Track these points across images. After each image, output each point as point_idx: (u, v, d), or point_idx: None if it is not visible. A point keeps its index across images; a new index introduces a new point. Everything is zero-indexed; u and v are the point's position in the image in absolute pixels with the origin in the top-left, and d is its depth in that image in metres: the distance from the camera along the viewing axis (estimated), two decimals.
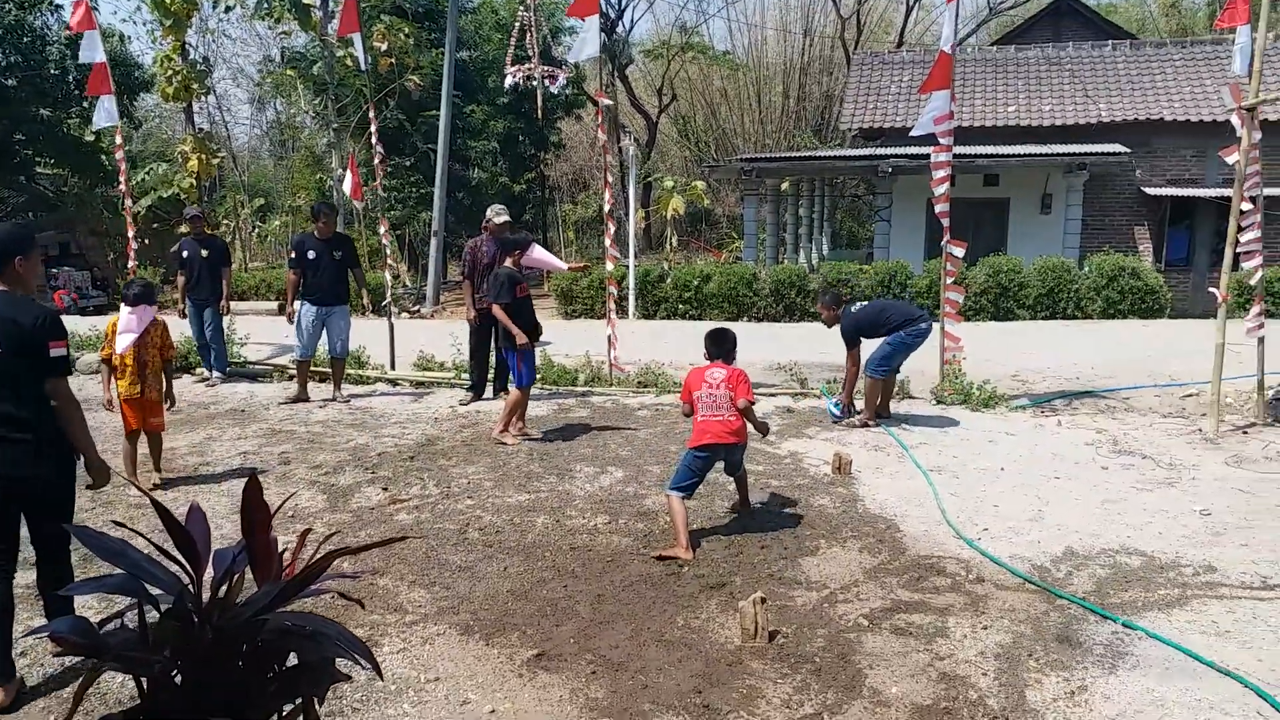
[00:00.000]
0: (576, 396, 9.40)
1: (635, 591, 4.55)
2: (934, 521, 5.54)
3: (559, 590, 4.57)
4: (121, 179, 12.51)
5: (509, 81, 18.03)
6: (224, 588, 2.23)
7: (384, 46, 20.66)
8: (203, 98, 27.27)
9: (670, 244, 23.88)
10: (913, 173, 17.54)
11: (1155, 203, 18.62)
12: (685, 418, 5.50)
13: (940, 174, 8.68)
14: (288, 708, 2.32)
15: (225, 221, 29.69)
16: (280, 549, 2.41)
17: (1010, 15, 32.57)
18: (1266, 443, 7.20)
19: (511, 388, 7.56)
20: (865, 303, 8.47)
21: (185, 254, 10.16)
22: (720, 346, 5.49)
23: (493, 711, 3.48)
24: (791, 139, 33.71)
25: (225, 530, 5.29)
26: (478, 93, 26.67)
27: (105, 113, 11.38)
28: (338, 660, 2.35)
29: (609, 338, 9.93)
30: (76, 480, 3.72)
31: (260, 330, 12.86)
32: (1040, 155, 17.34)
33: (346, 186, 12.48)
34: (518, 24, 16.65)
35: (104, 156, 24.00)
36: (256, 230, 32.43)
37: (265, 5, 23.31)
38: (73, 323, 10.82)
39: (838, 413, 8.12)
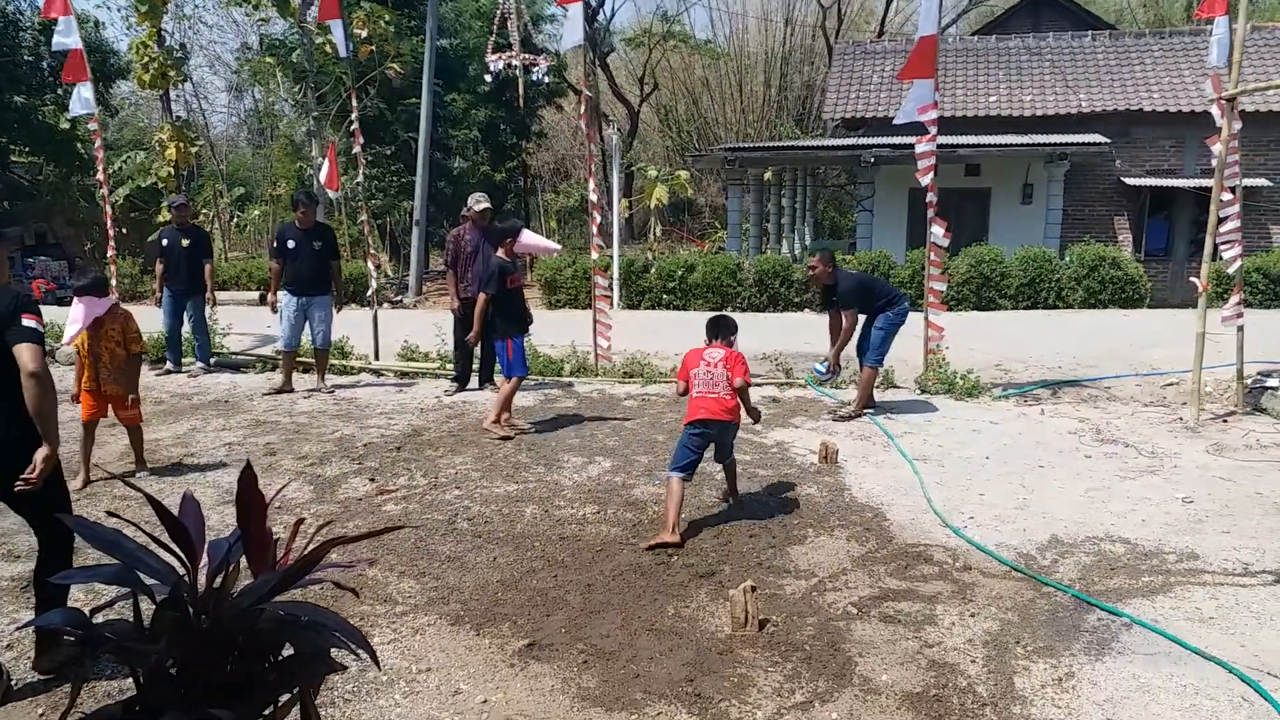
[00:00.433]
0: (562, 387, 9.39)
1: (625, 581, 4.55)
2: (920, 510, 5.57)
3: (549, 580, 4.57)
4: (99, 168, 12.36)
5: (491, 68, 17.97)
6: (220, 578, 2.21)
7: (364, 34, 20.44)
8: (180, 85, 26.95)
9: (654, 234, 23.86)
10: (895, 163, 17.60)
11: (1135, 193, 18.77)
12: (681, 396, 5.49)
13: (926, 163, 8.69)
14: (284, 698, 2.31)
15: (204, 211, 29.40)
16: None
17: (990, 5, 32.70)
18: (1246, 431, 7.28)
19: (499, 379, 7.55)
20: (852, 271, 8.45)
21: (165, 242, 10.05)
22: (720, 330, 5.49)
23: (485, 701, 3.48)
24: (773, 128, 33.72)
25: (212, 521, 5.24)
26: (459, 81, 26.50)
27: (82, 100, 11.22)
28: (331, 650, 2.34)
29: (595, 327, 9.91)
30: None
31: (242, 320, 12.76)
32: (1021, 145, 17.44)
33: (323, 176, 12.39)
34: (498, 11, 16.57)
35: (80, 145, 23.70)
36: (235, 220, 32.13)
37: None
38: (50, 312, 10.68)
39: (822, 370, 7.97)
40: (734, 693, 3.51)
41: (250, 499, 2.19)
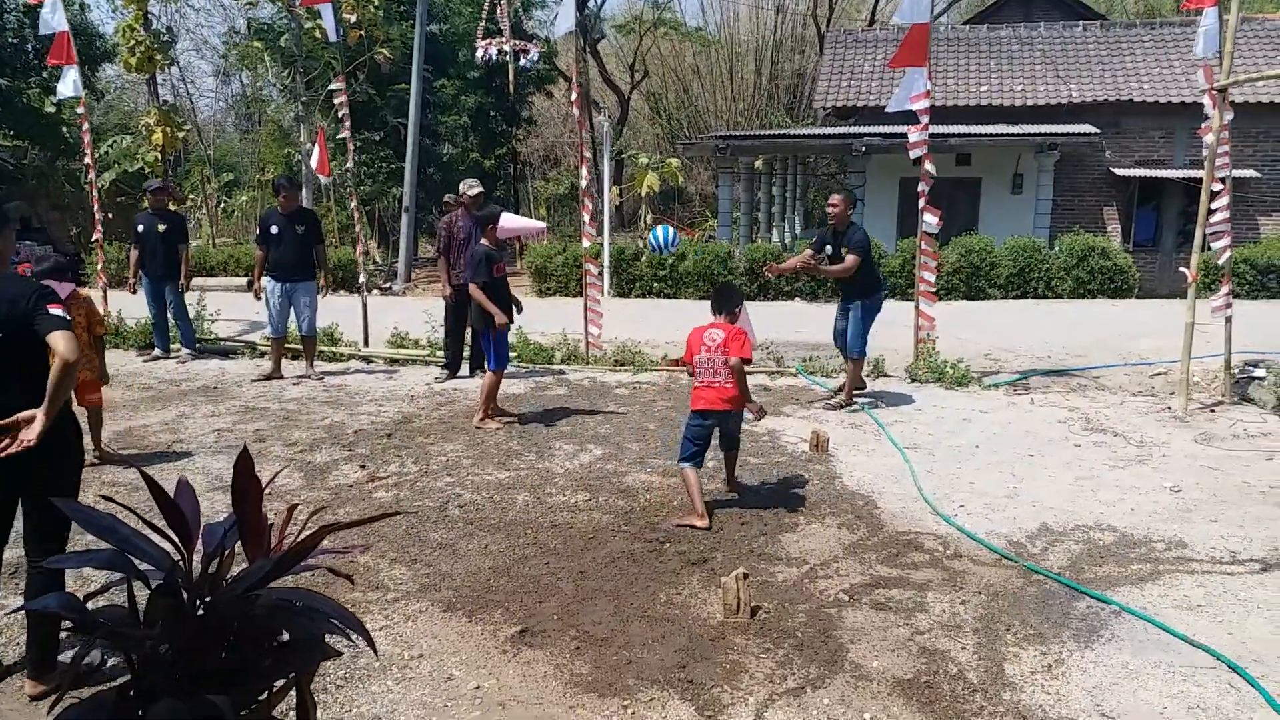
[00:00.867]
0: (553, 374, 9.38)
1: (617, 568, 4.56)
2: (911, 498, 5.60)
3: (541, 567, 4.57)
4: (86, 151, 12.25)
5: (480, 55, 17.87)
6: (215, 563, 2.20)
7: (353, 18, 20.31)
8: (166, 69, 26.75)
9: (645, 222, 23.81)
10: (886, 152, 17.60)
11: (1124, 183, 18.83)
12: (690, 377, 5.45)
13: (921, 152, 8.69)
14: (278, 684, 2.31)
15: (191, 196, 29.21)
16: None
17: None
18: (1233, 421, 7.33)
19: (483, 371, 7.51)
20: None
21: (141, 227, 9.89)
22: (723, 302, 5.41)
23: (477, 688, 3.48)
24: (764, 117, 33.66)
25: (201, 507, 5.22)
26: (448, 67, 26.36)
27: (70, 84, 11.10)
28: (325, 636, 2.34)
29: (586, 315, 9.89)
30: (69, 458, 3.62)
31: (230, 306, 12.69)
32: (1012, 135, 17.46)
33: (313, 161, 12.31)
34: None
35: (65, 128, 23.48)
36: (223, 205, 31.94)
37: None
38: None
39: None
40: (726, 679, 3.53)
41: (246, 484, 2.18)
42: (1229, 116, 7.57)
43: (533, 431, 7.07)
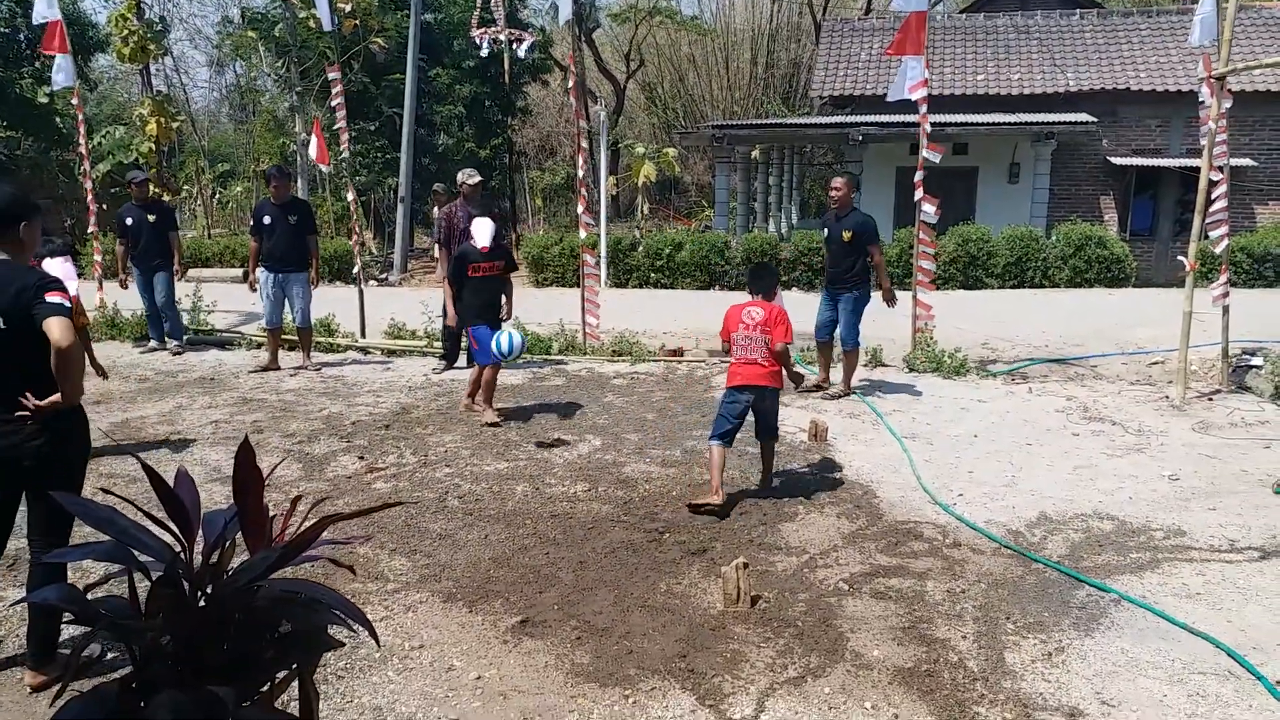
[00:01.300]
0: (551, 365, 9.37)
1: (617, 558, 4.56)
2: (910, 487, 5.60)
3: (541, 557, 4.57)
4: (80, 142, 12.19)
5: (477, 44, 17.78)
6: (216, 555, 2.19)
7: (348, 7, 20.20)
8: (160, 59, 26.58)
9: (642, 212, 23.77)
10: (883, 140, 17.58)
11: (1121, 172, 18.82)
12: (725, 355, 5.43)
13: (926, 140, 8.68)
14: (280, 675, 2.30)
15: (186, 187, 29.10)
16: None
17: None
18: (1231, 409, 7.34)
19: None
20: None
21: (129, 220, 9.78)
22: (761, 282, 5.39)
23: (478, 678, 3.48)
24: (760, 106, 33.58)
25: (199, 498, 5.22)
26: (443, 56, 26.23)
27: (64, 73, 11.03)
28: (329, 627, 2.33)
29: (584, 306, 9.87)
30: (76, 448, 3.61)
31: (226, 297, 12.64)
32: (1009, 124, 17.42)
33: (312, 151, 12.25)
34: None
35: (59, 119, 23.36)
36: (218, 196, 31.82)
37: None
38: None
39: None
40: (727, 668, 3.53)
41: (247, 475, 2.17)
42: (1227, 104, 7.55)
43: (531, 422, 7.07)
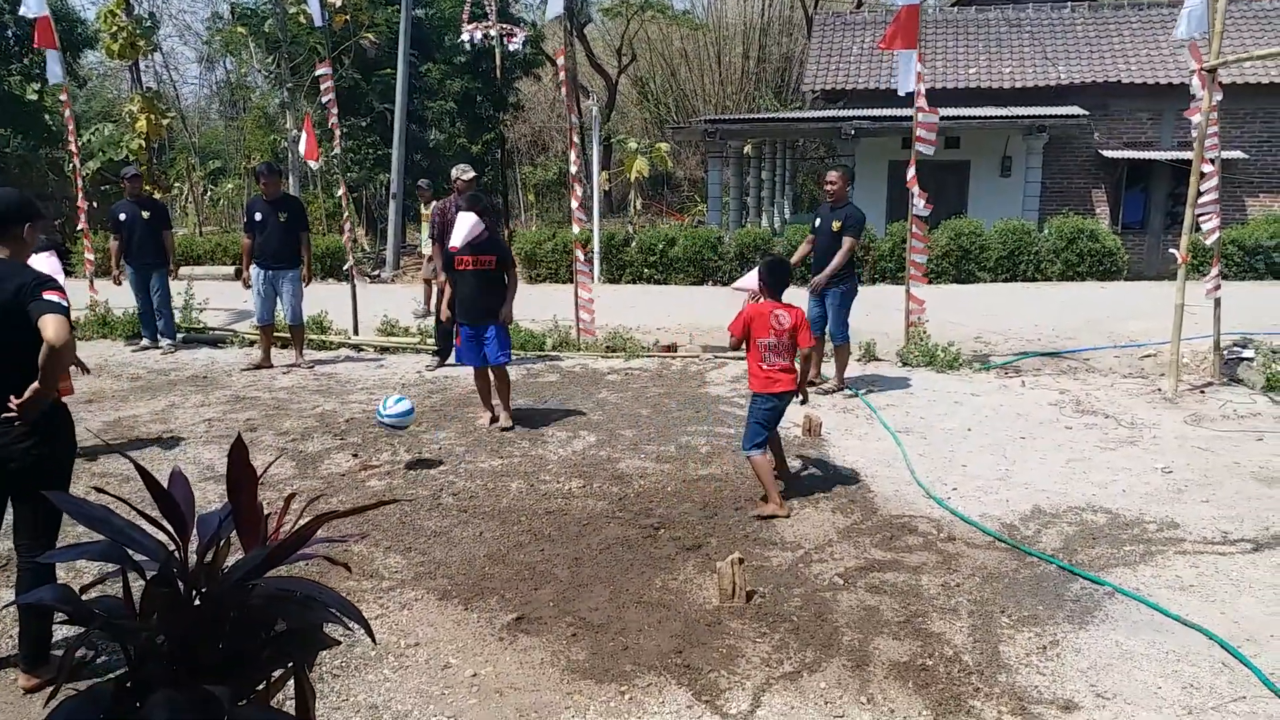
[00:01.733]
0: (545, 361, 9.36)
1: (612, 554, 4.56)
2: (904, 481, 5.61)
3: (536, 554, 4.57)
4: (70, 139, 12.12)
5: (466, 38, 17.71)
6: (211, 553, 2.18)
7: (338, 3, 20.11)
8: (149, 56, 26.47)
9: (634, 207, 23.74)
10: (875, 135, 17.58)
11: (1112, 165, 18.85)
12: (734, 350, 5.25)
13: (928, 134, 8.67)
14: (276, 673, 2.29)
15: (177, 184, 28.98)
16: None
17: None
18: (1223, 401, 7.37)
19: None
20: None
21: (123, 216, 9.69)
22: (785, 282, 5.23)
23: (474, 675, 3.48)
24: (752, 100, 33.55)
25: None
26: (434, 51, 26.14)
27: (54, 69, 10.96)
28: (324, 625, 2.33)
29: (577, 302, 9.86)
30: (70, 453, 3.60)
31: (218, 295, 12.60)
32: (1001, 117, 17.44)
33: (302, 147, 12.20)
34: None
35: (48, 116, 23.23)
36: (208, 193, 31.70)
37: None
38: None
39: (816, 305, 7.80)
40: (723, 663, 3.53)
41: (241, 473, 2.16)
42: (1218, 97, 7.56)
43: (525, 418, 7.05)
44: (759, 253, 16.34)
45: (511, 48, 22.53)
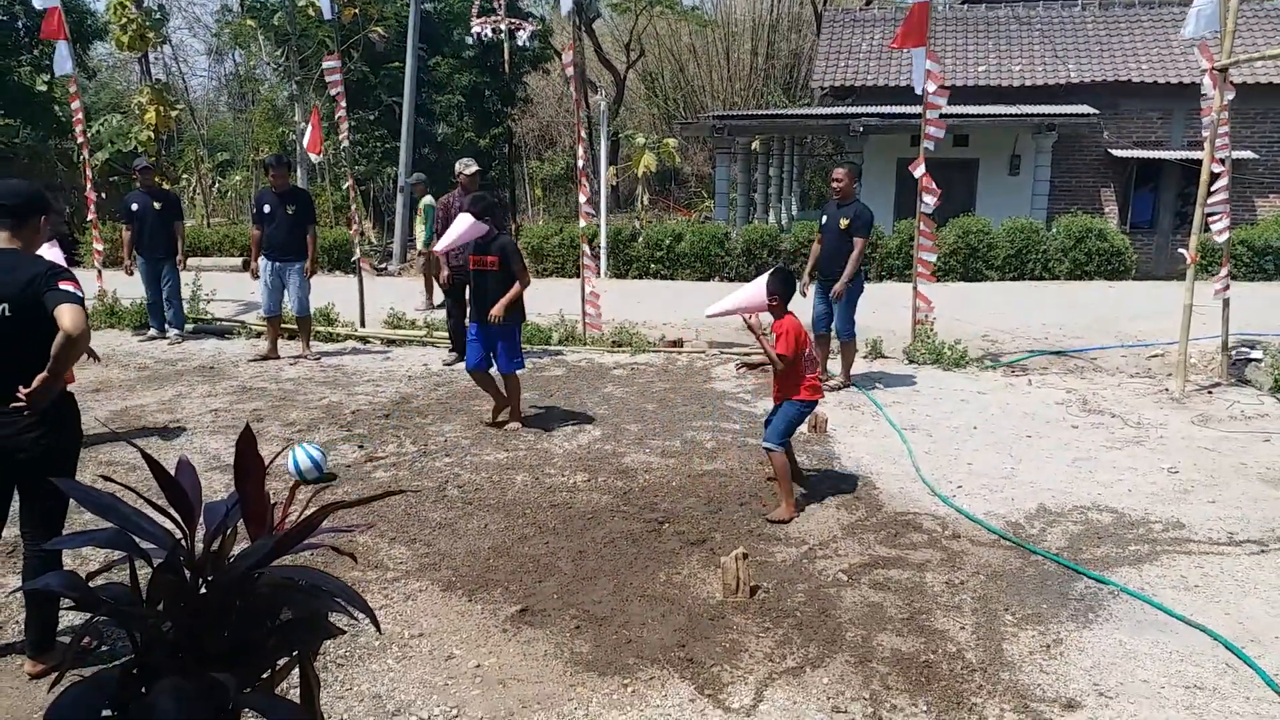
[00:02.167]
0: (551, 355, 9.36)
1: (616, 548, 4.56)
2: (909, 479, 5.60)
3: (540, 547, 4.58)
4: (78, 130, 12.15)
5: (475, 32, 17.72)
6: (217, 542, 2.19)
7: None
8: (159, 48, 26.51)
9: (642, 202, 23.70)
10: (884, 132, 17.53)
11: (1121, 165, 18.79)
12: (781, 364, 5.00)
13: (935, 131, 8.68)
14: (281, 661, 2.31)
15: (185, 176, 29.03)
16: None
17: None
18: (1230, 402, 7.35)
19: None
20: None
21: (135, 207, 9.71)
22: (793, 291, 5.20)
23: (478, 666, 3.49)
24: (760, 97, 33.48)
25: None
26: (443, 45, 26.16)
27: (64, 59, 10.97)
28: (329, 614, 2.34)
29: (584, 296, 9.86)
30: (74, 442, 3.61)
31: (225, 286, 12.63)
32: (1010, 116, 17.39)
33: (306, 140, 12.23)
34: None
35: (57, 107, 23.29)
36: (216, 185, 31.75)
37: None
38: None
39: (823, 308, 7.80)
40: (726, 658, 3.54)
41: (249, 462, 2.17)
42: (1229, 96, 7.53)
43: (531, 412, 7.06)
44: (766, 249, 16.35)
45: (520, 42, 22.54)
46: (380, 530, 4.75)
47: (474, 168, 8.70)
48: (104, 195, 19.94)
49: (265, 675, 2.24)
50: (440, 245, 6.77)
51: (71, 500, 3.48)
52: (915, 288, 8.95)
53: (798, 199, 24.18)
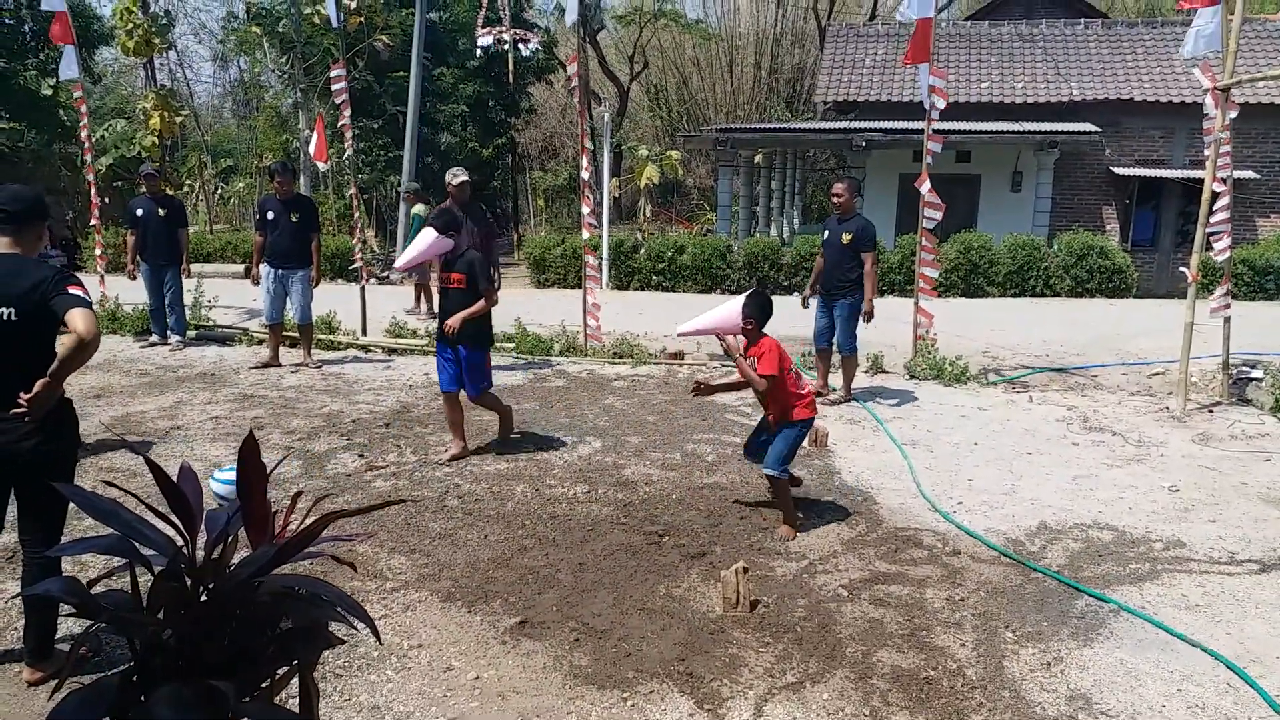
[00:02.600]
0: (552, 366, 9.36)
1: (616, 560, 4.55)
2: (910, 494, 5.60)
3: (540, 558, 4.57)
4: (83, 135, 12.18)
5: (481, 43, 17.76)
6: (218, 550, 2.19)
7: (353, 4, 20.21)
8: (164, 53, 26.59)
9: (644, 214, 23.76)
10: (886, 147, 17.58)
11: (1123, 183, 18.83)
12: (765, 383, 4.85)
13: (933, 146, 8.72)
14: (280, 670, 2.30)
15: (188, 182, 29.10)
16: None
17: None
18: (1231, 421, 7.34)
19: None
20: None
21: (140, 212, 9.70)
22: (770, 315, 5.06)
23: (477, 678, 3.48)
24: (763, 110, 33.61)
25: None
26: (447, 55, 26.26)
27: (71, 64, 11.01)
28: (329, 624, 2.33)
29: (585, 307, 9.86)
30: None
31: (227, 293, 12.64)
32: (1013, 133, 17.44)
33: (312, 148, 12.26)
34: None
35: (62, 111, 23.35)
36: (219, 192, 31.83)
37: None
38: None
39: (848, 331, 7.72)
40: (725, 672, 3.53)
41: (251, 470, 2.16)
42: (1232, 115, 7.55)
43: (531, 423, 7.05)
44: (768, 263, 16.36)
45: (524, 53, 22.59)
46: (380, 540, 4.74)
47: (459, 178, 8.54)
48: (107, 200, 20.00)
49: (264, 684, 2.23)
50: (400, 262, 6.47)
51: (69, 507, 3.49)
52: (916, 303, 8.96)
53: (799, 213, 24.24)
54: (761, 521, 5.07)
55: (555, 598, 4.14)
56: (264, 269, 8.88)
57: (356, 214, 11.61)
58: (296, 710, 2.31)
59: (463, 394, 6.20)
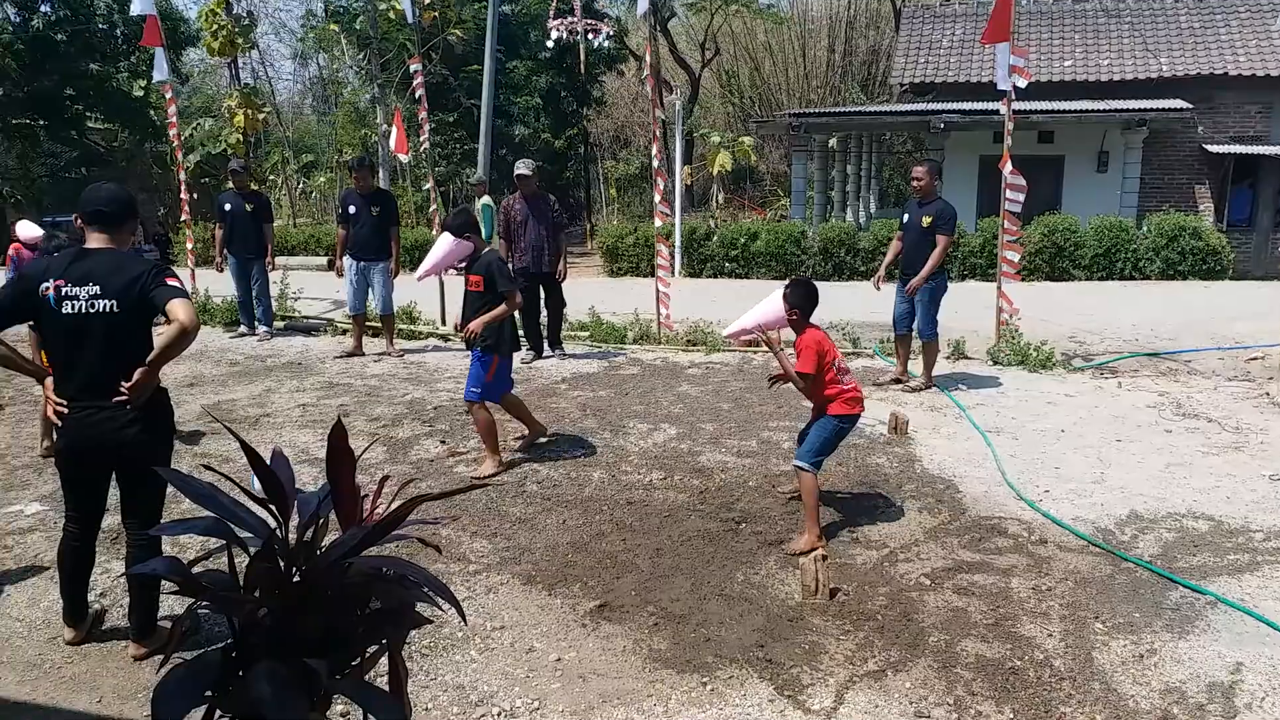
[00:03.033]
0: (626, 354, 9.39)
1: (693, 546, 4.56)
2: (994, 482, 5.48)
3: (618, 543, 4.60)
4: (173, 134, 12.60)
5: (553, 35, 17.88)
6: (310, 532, 2.25)
7: (427, 0, 20.53)
8: (247, 53, 27.32)
9: (716, 201, 23.66)
10: (965, 129, 17.17)
11: (1217, 161, 18.07)
12: (802, 382, 4.63)
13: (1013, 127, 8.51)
14: (370, 649, 2.36)
15: (272, 177, 29.92)
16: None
17: None
18: None
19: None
20: None
21: (228, 207, 10.03)
22: (816, 304, 4.77)
23: (559, 660, 3.52)
24: (838, 94, 33.13)
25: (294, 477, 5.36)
26: (520, 47, 26.48)
27: (162, 65, 11.41)
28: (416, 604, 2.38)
29: (658, 295, 9.87)
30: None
31: (312, 285, 12.97)
32: (1098, 111, 16.87)
33: (392, 142, 12.48)
34: None
35: (153, 111, 24.23)
36: (302, 186, 32.67)
37: None
38: None
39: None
40: (805, 659, 3.51)
41: (340, 455, 2.22)
42: None
43: (606, 410, 7.10)
44: (844, 248, 16.15)
45: (596, 43, 22.66)
46: (463, 524, 4.82)
47: (522, 170, 8.58)
48: (195, 196, 20.66)
49: (355, 663, 2.29)
50: (419, 271, 6.37)
51: (168, 490, 3.63)
52: (999, 287, 8.75)
53: (876, 197, 23.86)
54: (840, 509, 5.02)
55: (634, 582, 4.16)
56: (347, 261, 9.10)
57: (434, 206, 11.79)
58: (385, 688, 2.37)
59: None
